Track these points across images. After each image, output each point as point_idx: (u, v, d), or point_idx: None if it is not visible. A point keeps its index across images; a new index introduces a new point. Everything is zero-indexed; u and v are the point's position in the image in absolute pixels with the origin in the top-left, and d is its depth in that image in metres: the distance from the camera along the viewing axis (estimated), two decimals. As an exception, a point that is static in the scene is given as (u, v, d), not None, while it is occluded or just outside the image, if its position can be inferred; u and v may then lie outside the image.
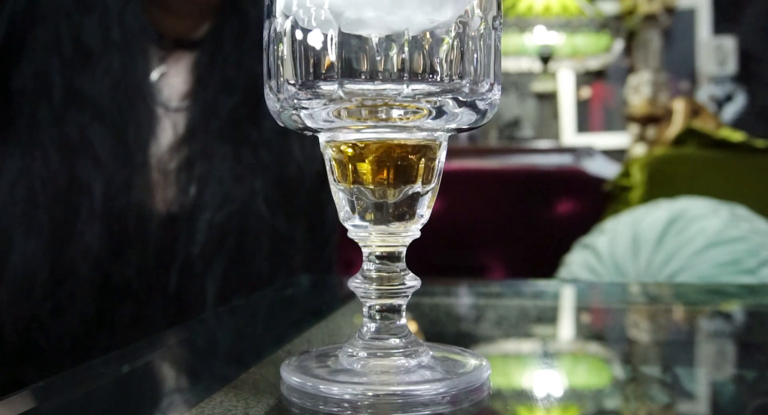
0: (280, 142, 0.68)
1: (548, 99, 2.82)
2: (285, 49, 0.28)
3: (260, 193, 0.67)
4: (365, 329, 0.31)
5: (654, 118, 2.59)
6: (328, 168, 0.31)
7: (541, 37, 2.53)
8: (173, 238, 0.63)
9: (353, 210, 0.30)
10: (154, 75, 0.65)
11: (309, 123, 0.29)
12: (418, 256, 0.50)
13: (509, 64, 2.72)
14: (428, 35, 0.27)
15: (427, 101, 0.28)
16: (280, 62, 0.29)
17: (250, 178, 0.66)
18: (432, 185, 0.31)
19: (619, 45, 2.85)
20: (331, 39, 0.27)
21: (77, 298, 0.60)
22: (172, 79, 0.67)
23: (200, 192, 0.64)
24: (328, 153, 0.31)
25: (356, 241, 0.31)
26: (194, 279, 0.64)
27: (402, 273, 0.31)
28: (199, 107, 0.66)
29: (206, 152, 0.65)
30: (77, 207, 0.59)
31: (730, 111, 2.58)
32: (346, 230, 0.32)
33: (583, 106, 3.06)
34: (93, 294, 0.60)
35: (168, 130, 0.65)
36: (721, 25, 2.77)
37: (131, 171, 0.62)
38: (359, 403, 0.27)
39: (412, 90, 0.27)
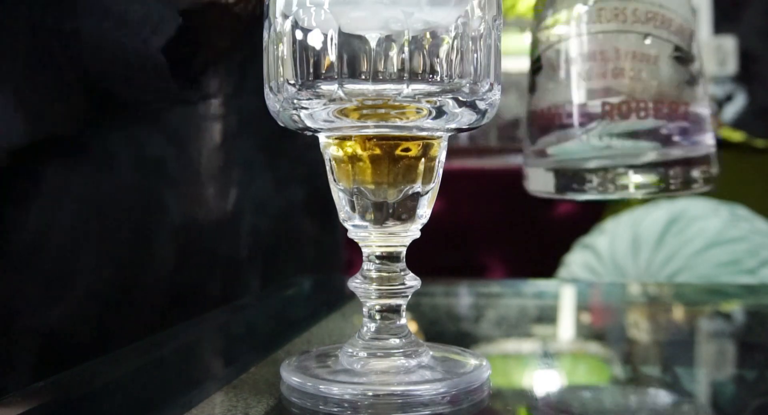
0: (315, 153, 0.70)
1: (548, 99, 2.82)
2: (285, 49, 0.28)
3: (298, 201, 0.68)
4: (365, 329, 0.31)
5: (654, 118, 2.58)
6: (328, 168, 0.31)
7: (541, 37, 2.52)
8: (220, 245, 0.65)
9: (353, 210, 0.31)
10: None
11: (309, 123, 0.29)
12: (418, 256, 0.50)
13: (509, 64, 2.72)
14: (428, 35, 0.27)
15: (427, 101, 0.28)
16: (280, 62, 0.29)
17: (288, 188, 0.68)
18: (432, 185, 0.31)
19: (619, 45, 2.84)
20: (331, 39, 0.27)
21: (145, 312, 0.60)
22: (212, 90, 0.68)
23: (240, 200, 0.65)
24: (328, 153, 0.31)
25: (356, 241, 0.31)
26: (238, 285, 0.65)
27: (402, 273, 0.31)
28: (240, 118, 0.67)
29: (248, 162, 0.66)
30: (147, 221, 0.60)
31: (730, 111, 2.58)
32: (346, 230, 0.32)
33: (583, 106, 3.06)
34: (160, 307, 0.61)
35: (217, 142, 0.66)
36: (721, 25, 2.77)
37: (192, 183, 0.63)
38: (359, 403, 0.27)
39: (412, 90, 0.27)
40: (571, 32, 0.41)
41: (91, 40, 0.53)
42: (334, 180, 0.31)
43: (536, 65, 0.44)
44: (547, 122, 0.42)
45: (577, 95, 0.41)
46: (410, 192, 0.30)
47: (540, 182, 0.45)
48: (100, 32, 0.53)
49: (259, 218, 0.67)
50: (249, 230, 0.66)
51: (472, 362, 0.31)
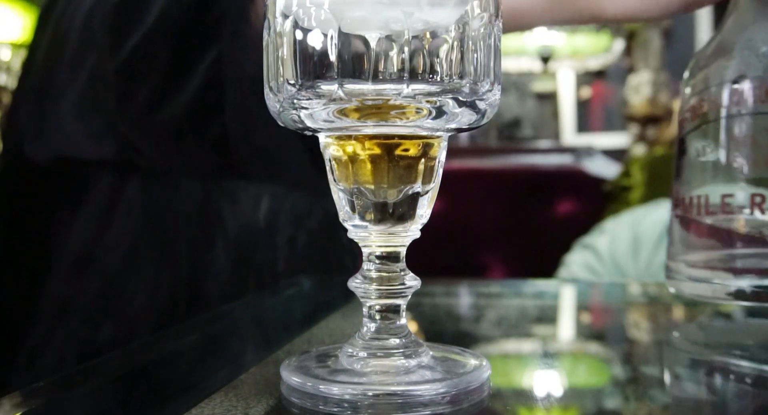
0: None
1: (548, 99, 2.83)
2: (285, 49, 0.28)
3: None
4: (365, 329, 0.31)
5: (654, 118, 2.59)
6: (328, 168, 0.31)
7: (541, 37, 2.53)
8: (263, 255, 0.66)
9: (353, 210, 0.31)
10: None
11: (309, 123, 0.29)
12: (418, 256, 0.50)
13: (509, 64, 2.72)
14: (428, 35, 0.27)
15: (428, 101, 0.28)
16: (280, 62, 0.29)
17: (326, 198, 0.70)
18: (432, 185, 0.31)
19: (619, 45, 2.85)
20: (331, 39, 0.27)
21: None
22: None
23: (276, 212, 0.66)
24: (328, 153, 0.31)
25: (356, 241, 0.31)
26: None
27: (402, 273, 0.31)
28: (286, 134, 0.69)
29: (294, 177, 0.68)
30: (207, 236, 0.61)
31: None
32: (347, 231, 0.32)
33: (583, 106, 3.06)
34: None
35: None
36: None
37: (249, 198, 0.64)
38: (359, 403, 0.27)
39: (412, 90, 0.27)
40: (720, 113, 0.37)
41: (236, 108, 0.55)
42: (334, 180, 0.31)
43: (681, 148, 0.40)
44: (695, 215, 0.38)
45: (726, 184, 0.37)
46: (410, 192, 0.30)
47: (702, 286, 0.39)
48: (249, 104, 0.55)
49: (299, 228, 0.69)
50: (287, 240, 0.68)
51: (472, 362, 0.31)
